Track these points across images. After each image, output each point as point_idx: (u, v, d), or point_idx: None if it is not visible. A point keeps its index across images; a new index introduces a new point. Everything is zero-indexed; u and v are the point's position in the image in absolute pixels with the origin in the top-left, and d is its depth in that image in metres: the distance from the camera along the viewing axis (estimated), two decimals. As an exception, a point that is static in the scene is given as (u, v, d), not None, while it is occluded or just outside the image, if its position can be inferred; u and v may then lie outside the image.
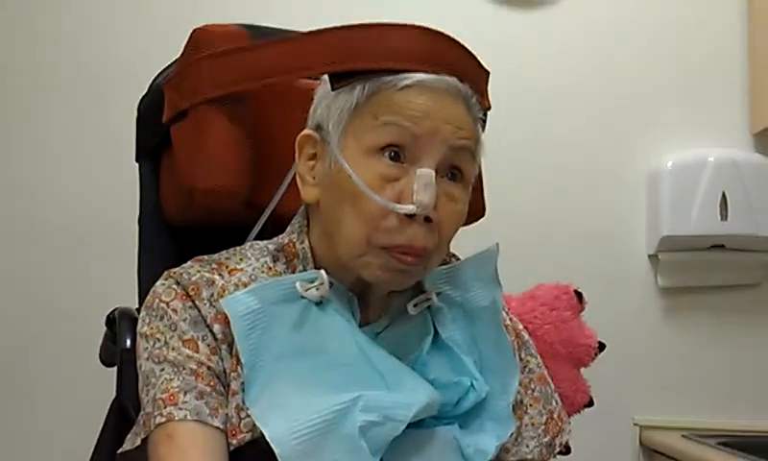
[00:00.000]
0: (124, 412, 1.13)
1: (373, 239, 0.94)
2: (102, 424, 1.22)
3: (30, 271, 2.19)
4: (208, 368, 0.94)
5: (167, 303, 0.98)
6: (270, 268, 1.03)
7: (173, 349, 0.95)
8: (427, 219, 0.94)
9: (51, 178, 2.21)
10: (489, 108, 1.07)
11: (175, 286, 0.99)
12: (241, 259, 1.03)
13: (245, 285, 0.99)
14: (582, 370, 1.47)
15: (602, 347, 1.47)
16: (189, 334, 0.96)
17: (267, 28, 1.24)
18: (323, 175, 1.01)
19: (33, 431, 2.14)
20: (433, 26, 1.01)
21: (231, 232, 1.14)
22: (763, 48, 2.25)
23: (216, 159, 1.12)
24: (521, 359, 1.12)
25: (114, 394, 1.21)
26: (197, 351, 0.95)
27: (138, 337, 1.00)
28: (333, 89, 1.00)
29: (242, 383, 0.93)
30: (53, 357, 2.15)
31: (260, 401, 0.92)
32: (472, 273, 1.10)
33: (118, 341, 1.19)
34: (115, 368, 1.25)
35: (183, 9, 2.24)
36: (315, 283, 0.98)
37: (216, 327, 0.96)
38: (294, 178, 1.06)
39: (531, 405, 1.10)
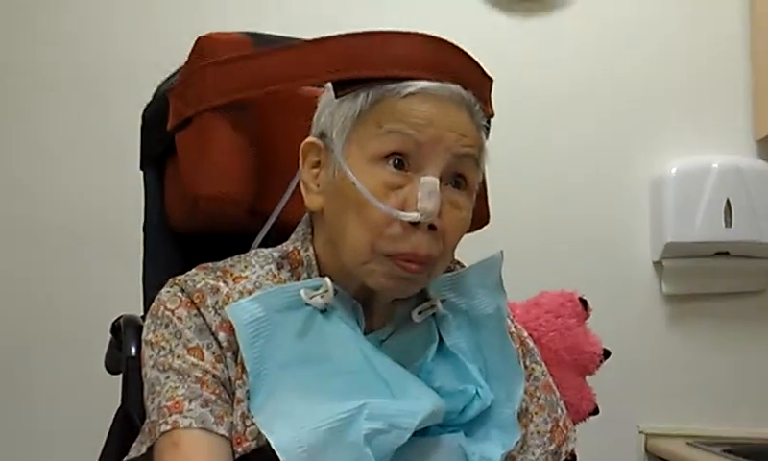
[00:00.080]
0: (129, 420, 1.13)
1: (378, 247, 0.95)
2: (107, 432, 1.21)
3: (29, 271, 2.19)
4: (213, 376, 0.94)
5: (172, 311, 0.98)
6: (274, 275, 1.03)
7: (178, 356, 0.95)
8: (431, 227, 0.94)
9: (51, 178, 2.22)
10: (492, 115, 1.07)
11: (180, 294, 0.99)
12: (246, 267, 1.03)
13: (249, 293, 0.99)
14: (587, 377, 1.47)
15: (607, 354, 1.47)
16: (194, 342, 0.96)
17: (270, 36, 1.24)
18: (327, 182, 1.01)
19: (32, 431, 2.14)
20: (436, 33, 1.01)
21: (236, 240, 1.15)
22: (766, 54, 2.25)
23: (220, 167, 1.13)
24: (526, 367, 1.12)
25: (115, 398, 1.20)
26: (202, 359, 0.95)
27: (143, 345, 1.00)
28: (337, 97, 1.00)
29: (247, 391, 0.93)
30: (53, 357, 2.15)
31: (265, 409, 0.91)
32: (477, 280, 1.10)
33: (123, 349, 1.19)
34: (119, 375, 1.26)
35: (183, 10, 2.25)
36: (319, 291, 0.98)
37: (221, 335, 0.96)
38: (298, 185, 1.06)
39: (536, 413, 1.10)
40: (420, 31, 1.01)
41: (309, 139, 1.04)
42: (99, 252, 2.16)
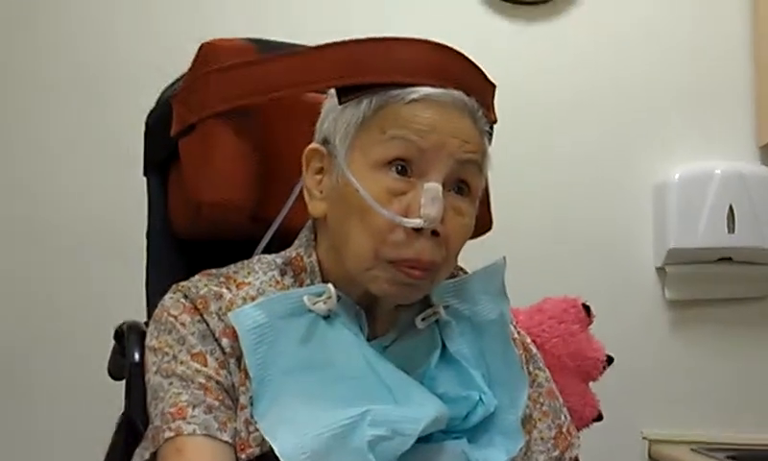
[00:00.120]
0: (132, 426, 1.13)
1: (381, 253, 0.95)
2: (111, 438, 1.21)
3: (29, 271, 2.19)
4: (217, 382, 0.94)
5: (175, 317, 0.98)
6: (277, 282, 1.03)
7: (181, 362, 0.95)
8: (434, 233, 0.94)
9: (51, 179, 2.21)
10: (495, 121, 1.07)
11: (183, 300, 0.99)
12: (249, 273, 1.04)
13: (252, 299, 0.99)
14: (590, 383, 1.47)
15: (610, 360, 1.47)
16: (198, 348, 0.96)
17: (274, 42, 1.25)
18: (330, 189, 1.01)
19: (33, 432, 2.14)
20: (438, 39, 1.01)
21: (239, 246, 1.15)
22: (769, 60, 2.25)
23: (223, 173, 1.13)
24: (530, 373, 1.12)
25: (114, 400, 1.20)
26: (205, 365, 0.95)
27: (147, 351, 1.00)
28: (340, 103, 1.00)
29: (250, 397, 0.93)
30: (52, 358, 2.14)
31: (268, 416, 0.91)
32: (480, 286, 1.10)
33: (127, 355, 1.18)
34: (122, 381, 1.26)
35: (184, 13, 2.25)
36: (322, 297, 0.98)
37: (224, 341, 0.96)
38: (301, 192, 1.06)
39: (540, 419, 1.10)
40: (422, 37, 1.01)
41: (312, 146, 1.04)
42: (99, 253, 2.16)
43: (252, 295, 1.00)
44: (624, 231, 2.27)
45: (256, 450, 0.92)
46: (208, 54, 1.16)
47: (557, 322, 1.43)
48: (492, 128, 1.05)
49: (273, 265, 1.05)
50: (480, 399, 1.02)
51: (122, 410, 1.19)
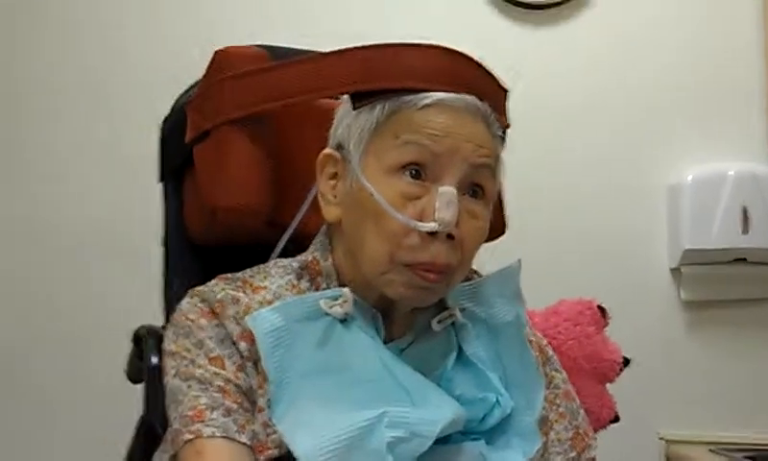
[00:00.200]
0: (151, 429, 1.14)
1: (396, 257, 0.95)
2: (130, 441, 1.23)
3: (31, 271, 2.20)
4: (235, 385, 0.95)
5: (193, 321, 0.99)
6: (294, 286, 1.04)
7: (199, 366, 0.96)
8: (450, 236, 0.95)
9: (56, 181, 2.22)
10: (508, 126, 1.08)
11: (200, 304, 1.00)
12: (265, 277, 1.04)
13: (269, 303, 1.00)
14: (606, 385, 1.47)
15: (627, 362, 1.47)
16: (215, 352, 0.96)
17: (287, 49, 1.25)
18: (344, 194, 1.02)
19: (30, 432, 2.15)
20: (448, 44, 1.02)
21: (254, 251, 1.16)
22: (782, 60, 2.25)
23: (238, 179, 1.14)
24: (546, 375, 1.12)
25: (116, 402, 1.22)
26: (223, 369, 0.96)
27: (165, 355, 1.01)
28: (354, 109, 1.01)
29: (268, 400, 0.94)
30: (52, 358, 2.15)
31: (287, 418, 0.92)
32: (495, 289, 1.11)
33: (145, 358, 1.20)
34: (130, 382, 1.27)
35: (193, 19, 2.27)
36: (339, 301, 0.99)
37: (242, 345, 0.97)
38: (315, 197, 1.07)
39: (557, 421, 1.10)
40: (433, 42, 1.01)
41: (326, 151, 1.05)
42: (100, 254, 2.17)
43: (268, 299, 1.01)
44: (639, 233, 2.27)
45: (275, 452, 0.93)
46: (222, 61, 1.17)
47: (572, 324, 1.43)
48: (504, 132, 1.06)
49: (289, 269, 1.06)
50: (497, 400, 1.03)
51: (125, 410, 1.21)
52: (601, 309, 1.48)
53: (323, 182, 1.05)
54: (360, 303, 1.01)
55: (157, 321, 1.27)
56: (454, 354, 1.05)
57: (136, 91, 2.21)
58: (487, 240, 1.04)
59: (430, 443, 0.93)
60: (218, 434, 0.92)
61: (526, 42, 2.31)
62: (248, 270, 1.06)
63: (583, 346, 1.42)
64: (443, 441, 0.97)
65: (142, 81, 2.21)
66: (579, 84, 2.30)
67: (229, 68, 1.15)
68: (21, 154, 2.24)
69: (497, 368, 1.07)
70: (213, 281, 1.03)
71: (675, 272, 2.26)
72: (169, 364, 0.99)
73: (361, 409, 0.92)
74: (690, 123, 2.29)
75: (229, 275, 1.05)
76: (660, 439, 2.20)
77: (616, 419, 1.46)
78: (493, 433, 1.03)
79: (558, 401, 1.12)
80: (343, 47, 1.05)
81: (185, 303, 1.02)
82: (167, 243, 1.33)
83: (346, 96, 1.04)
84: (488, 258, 1.12)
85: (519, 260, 1.12)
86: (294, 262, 1.07)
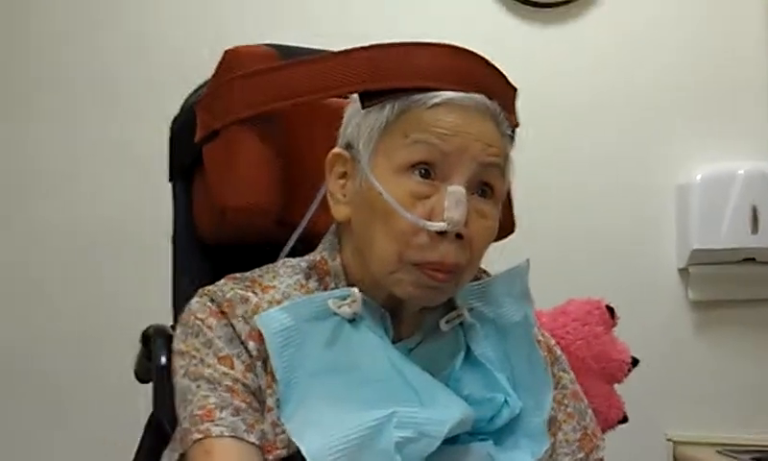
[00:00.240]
0: (160, 428, 1.14)
1: (405, 256, 0.95)
2: (140, 440, 1.23)
3: (45, 271, 2.21)
4: (244, 385, 0.95)
5: (202, 321, 0.99)
6: (302, 285, 1.04)
7: (208, 366, 0.96)
8: (458, 236, 0.95)
9: (69, 180, 2.24)
10: (517, 125, 1.07)
11: (209, 304, 1.00)
12: (274, 277, 1.04)
13: (278, 303, 1.00)
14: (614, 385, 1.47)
15: (635, 362, 1.47)
16: (224, 351, 0.97)
17: (296, 48, 1.25)
18: (353, 193, 1.02)
19: (38, 431, 2.17)
20: (456, 42, 1.02)
21: (264, 250, 1.16)
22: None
23: (247, 179, 1.14)
24: (554, 375, 1.12)
25: (129, 402, 1.22)
26: (232, 368, 0.96)
27: (174, 354, 1.01)
28: (363, 108, 1.01)
29: (277, 400, 0.94)
30: (66, 358, 2.17)
31: (295, 418, 0.92)
32: (504, 289, 1.11)
33: (153, 358, 1.20)
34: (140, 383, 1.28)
35: (203, 19, 2.27)
36: (347, 300, 0.99)
37: (251, 345, 0.97)
38: (324, 196, 1.07)
39: (565, 421, 1.10)
40: (442, 41, 1.01)
41: (335, 150, 1.05)
42: (114, 254, 2.19)
43: (277, 298, 1.01)
44: (647, 233, 2.27)
45: (283, 452, 0.93)
46: (232, 60, 1.18)
47: (581, 324, 1.43)
48: (514, 131, 1.05)
49: (297, 269, 1.06)
50: (505, 401, 1.03)
51: (135, 410, 1.21)
52: (609, 309, 1.48)
53: (332, 182, 1.05)
54: (369, 303, 1.01)
55: (168, 321, 1.27)
56: (462, 354, 1.05)
57: (146, 91, 2.21)
58: (496, 240, 1.03)
59: (438, 443, 0.93)
60: (227, 434, 0.92)
61: (534, 41, 2.31)
62: (256, 270, 1.07)
63: (591, 346, 1.42)
64: (451, 441, 0.97)
65: (152, 80, 2.21)
66: (587, 83, 2.30)
67: (239, 67, 1.15)
68: (33, 153, 2.25)
69: (505, 368, 1.07)
70: (222, 281, 1.04)
71: (683, 272, 2.26)
72: (178, 363, 0.99)
73: (370, 409, 0.92)
74: (699, 122, 2.29)
75: (238, 274, 1.05)
76: (668, 440, 2.20)
77: (625, 419, 1.46)
78: (502, 434, 1.03)
79: (566, 402, 1.12)
80: (351, 47, 1.05)
81: (194, 303, 1.02)
82: (176, 242, 1.34)
83: (355, 95, 1.04)
84: (496, 258, 1.12)
85: (528, 260, 1.12)
86: (302, 262, 1.07)
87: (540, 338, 1.14)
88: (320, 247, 1.08)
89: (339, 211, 1.04)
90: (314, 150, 1.11)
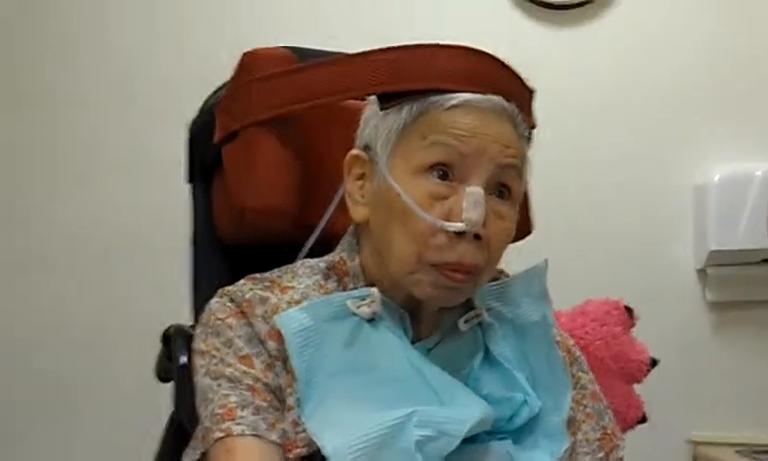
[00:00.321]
0: (181, 427, 1.15)
1: (424, 257, 0.96)
2: (161, 439, 1.24)
3: (61, 274, 2.24)
4: (264, 384, 0.96)
5: (222, 320, 1.00)
6: (321, 286, 1.05)
7: (229, 365, 0.97)
8: (477, 236, 0.95)
9: (87, 184, 2.26)
10: (534, 126, 1.08)
11: (229, 304, 1.01)
12: (293, 277, 1.05)
13: (297, 303, 1.00)
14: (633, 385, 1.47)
15: (654, 362, 1.46)
16: (245, 351, 0.97)
17: (313, 50, 1.26)
18: (372, 194, 1.02)
19: (65, 434, 2.19)
20: (471, 44, 1.02)
21: (283, 251, 1.16)
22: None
23: (266, 180, 1.15)
24: (573, 375, 1.12)
25: (146, 404, 1.23)
26: (252, 368, 0.96)
27: (195, 354, 1.02)
28: (381, 110, 1.02)
29: (297, 399, 0.95)
30: (83, 360, 2.19)
31: (315, 417, 0.93)
32: (522, 289, 1.11)
33: (174, 358, 1.21)
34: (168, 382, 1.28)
35: (220, 23, 2.29)
36: (366, 301, 1.00)
37: (270, 344, 0.98)
38: (343, 197, 1.08)
39: (584, 421, 1.10)
40: (459, 43, 1.02)
41: (354, 152, 1.05)
42: (130, 257, 2.21)
43: (296, 299, 1.01)
44: (664, 233, 2.26)
45: (303, 451, 0.93)
46: (250, 63, 1.19)
47: (599, 324, 1.43)
48: (531, 133, 1.06)
49: (316, 269, 1.07)
50: (524, 400, 1.03)
51: (153, 411, 1.22)
52: (628, 310, 1.48)
53: (350, 183, 1.05)
54: (387, 303, 1.01)
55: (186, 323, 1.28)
56: (481, 354, 1.05)
57: (163, 95, 2.23)
58: (513, 240, 1.04)
59: (458, 442, 0.93)
60: (248, 432, 0.93)
61: (550, 42, 2.31)
62: (275, 270, 1.07)
63: (610, 346, 1.42)
64: (470, 440, 0.97)
65: (170, 83, 2.23)
66: (604, 84, 2.30)
67: (257, 69, 1.16)
68: (50, 156, 2.27)
69: (524, 368, 1.07)
70: (242, 281, 1.04)
71: (701, 273, 2.25)
72: (199, 363, 1.00)
73: (390, 408, 0.93)
74: (717, 122, 2.28)
75: (258, 275, 1.06)
76: (687, 441, 2.19)
77: (644, 419, 1.46)
78: (521, 433, 1.03)
79: (585, 402, 1.11)
80: (369, 48, 1.06)
81: (214, 303, 1.02)
82: (195, 243, 1.35)
83: (373, 97, 1.04)
84: (514, 258, 1.12)
85: (546, 260, 1.13)
86: (321, 262, 1.08)
87: (559, 338, 1.14)
88: (338, 248, 1.09)
89: (357, 212, 1.04)
90: (332, 151, 1.11)
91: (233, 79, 1.22)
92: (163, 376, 1.29)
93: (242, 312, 1.00)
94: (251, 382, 0.96)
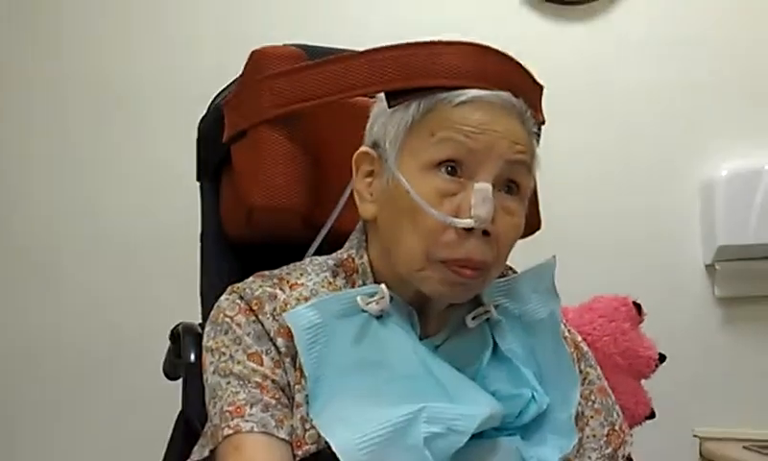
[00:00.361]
0: (190, 424, 1.16)
1: (432, 253, 0.96)
2: (170, 437, 1.25)
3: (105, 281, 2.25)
4: (273, 381, 0.96)
5: (231, 318, 1.00)
6: (330, 283, 1.05)
7: (238, 362, 0.97)
8: (485, 233, 0.95)
9: (111, 192, 2.28)
10: (543, 122, 1.08)
11: (238, 301, 1.01)
12: (301, 274, 1.05)
13: (306, 300, 1.00)
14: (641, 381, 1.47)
15: (662, 358, 1.46)
16: (253, 348, 0.98)
17: (323, 48, 1.26)
18: (380, 191, 1.02)
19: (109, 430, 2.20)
20: (480, 40, 1.02)
21: (291, 249, 1.17)
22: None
23: (275, 179, 1.15)
24: (581, 371, 1.12)
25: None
26: (261, 365, 0.97)
27: (204, 351, 1.02)
28: (390, 107, 1.02)
29: (306, 396, 0.95)
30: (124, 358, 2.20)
31: (324, 414, 0.93)
32: (530, 285, 1.11)
33: (183, 355, 1.21)
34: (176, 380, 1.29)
35: (231, 25, 2.29)
36: (375, 297, 1.00)
37: (279, 341, 0.98)
38: (351, 195, 1.08)
39: (592, 417, 1.10)
40: (467, 39, 1.02)
41: (362, 149, 1.06)
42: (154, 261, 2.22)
43: (305, 296, 1.02)
44: (673, 229, 2.25)
45: (312, 448, 0.94)
46: (259, 61, 1.18)
47: (607, 320, 1.43)
48: (539, 128, 1.06)
49: (325, 266, 1.07)
50: (532, 396, 1.03)
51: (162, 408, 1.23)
52: (636, 306, 1.48)
53: (359, 180, 1.05)
54: (396, 300, 1.01)
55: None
56: (489, 351, 1.06)
57: (168, 94, 2.24)
58: (522, 236, 1.04)
59: (467, 438, 0.94)
60: (257, 429, 0.93)
61: (559, 38, 2.31)
62: (284, 267, 1.08)
63: (618, 342, 1.42)
64: (478, 437, 0.97)
65: (173, 82, 2.24)
66: (612, 79, 2.29)
67: (266, 68, 1.16)
68: (71, 154, 2.29)
69: (532, 364, 1.07)
70: (251, 279, 1.05)
71: (709, 268, 2.25)
72: (208, 360, 1.01)
73: (399, 405, 0.93)
74: (725, 117, 2.27)
75: (267, 272, 1.06)
76: (695, 436, 2.19)
77: (652, 415, 1.46)
78: (529, 429, 1.04)
79: (593, 398, 1.12)
80: (378, 46, 1.06)
81: (224, 300, 1.03)
82: (204, 241, 1.35)
83: (381, 94, 1.04)
84: (521, 254, 1.12)
85: (554, 257, 1.12)
86: (329, 259, 1.08)
87: (567, 334, 1.14)
88: (347, 245, 1.09)
89: (366, 210, 1.04)
90: (341, 149, 1.11)
91: (242, 77, 1.22)
92: (171, 374, 1.30)
93: (251, 309, 1.00)
94: (259, 380, 0.96)
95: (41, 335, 2.23)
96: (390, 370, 0.97)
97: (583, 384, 1.11)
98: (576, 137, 2.20)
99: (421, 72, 1.00)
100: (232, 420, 0.94)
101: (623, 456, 1.11)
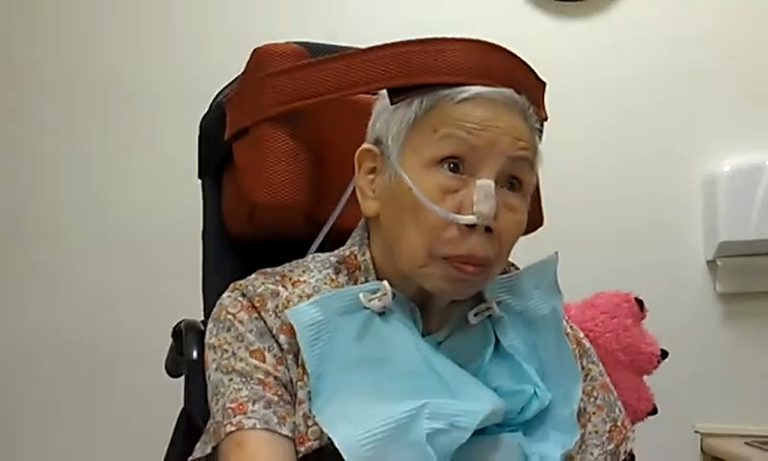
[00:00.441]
0: (192, 421, 1.16)
1: (435, 250, 0.96)
2: (172, 434, 1.25)
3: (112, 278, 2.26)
4: (275, 378, 0.97)
5: (234, 315, 1.00)
6: (332, 280, 1.05)
7: (240, 359, 0.97)
8: (488, 229, 0.95)
9: (121, 188, 2.28)
10: (545, 118, 1.08)
11: (241, 298, 1.01)
12: (304, 271, 1.05)
13: (308, 297, 1.01)
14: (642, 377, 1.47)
15: (664, 354, 1.46)
16: (256, 345, 0.98)
17: (325, 45, 1.26)
18: (382, 188, 1.02)
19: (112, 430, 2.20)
20: (483, 37, 1.02)
21: (293, 246, 1.17)
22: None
23: (277, 176, 1.15)
24: (583, 367, 1.12)
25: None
26: (264, 362, 0.97)
27: (206, 348, 1.02)
28: (392, 104, 1.02)
29: (308, 392, 0.95)
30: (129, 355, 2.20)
31: (327, 410, 0.93)
32: (532, 282, 1.11)
33: (185, 352, 1.22)
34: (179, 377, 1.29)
35: (234, 23, 2.29)
36: (377, 294, 1.00)
37: (282, 338, 0.98)
38: (353, 192, 1.08)
39: (594, 413, 1.10)
40: (469, 36, 1.02)
41: (365, 146, 1.06)
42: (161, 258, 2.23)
43: (307, 293, 1.02)
44: (674, 225, 2.25)
45: (315, 444, 0.94)
46: (261, 58, 1.18)
47: (609, 316, 1.43)
48: (542, 125, 1.06)
49: (327, 263, 1.07)
50: (534, 393, 1.03)
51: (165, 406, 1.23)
52: (638, 302, 1.48)
53: (361, 177, 1.05)
54: (398, 297, 1.01)
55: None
56: (491, 347, 1.06)
57: (176, 91, 2.24)
58: (524, 233, 1.04)
59: (469, 434, 0.94)
60: (259, 426, 0.93)
61: (561, 34, 2.31)
62: (287, 264, 1.08)
63: (620, 338, 1.42)
64: (480, 433, 0.97)
65: (182, 79, 2.24)
66: (614, 75, 2.29)
67: (268, 65, 1.16)
68: (79, 151, 2.29)
69: (534, 360, 1.07)
70: (253, 276, 1.05)
71: (711, 264, 2.25)
72: (210, 357, 1.01)
73: (401, 401, 0.93)
74: (727, 113, 2.27)
75: (269, 269, 1.06)
76: (696, 432, 2.19)
77: (654, 411, 1.46)
78: (531, 425, 1.04)
79: (595, 394, 1.12)
80: (380, 43, 1.06)
81: (226, 298, 1.03)
82: (206, 238, 1.35)
83: (383, 91, 1.04)
84: (522, 250, 1.12)
85: (556, 253, 1.12)
86: (332, 256, 1.08)
87: (569, 331, 1.14)
88: (349, 242, 1.09)
89: (368, 206, 1.04)
90: (343, 146, 1.11)
91: (244, 74, 1.22)
92: (173, 371, 1.30)
93: (253, 307, 1.00)
94: (262, 376, 0.96)
95: (42, 334, 2.23)
96: (392, 366, 0.97)
97: (585, 380, 1.11)
98: (576, 133, 2.20)
99: (423, 69, 1.00)
100: (235, 417, 0.94)
101: (625, 452, 1.11)
